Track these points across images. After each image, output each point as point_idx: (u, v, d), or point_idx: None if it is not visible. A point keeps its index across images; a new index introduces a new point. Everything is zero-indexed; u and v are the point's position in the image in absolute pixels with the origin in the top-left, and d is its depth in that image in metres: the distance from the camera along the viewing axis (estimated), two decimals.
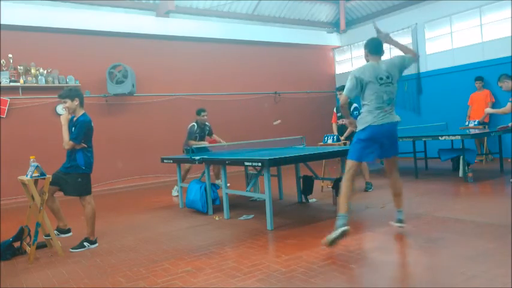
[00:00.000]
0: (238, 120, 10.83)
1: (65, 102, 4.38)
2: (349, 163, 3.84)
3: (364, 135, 3.79)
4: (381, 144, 3.81)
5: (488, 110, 7.42)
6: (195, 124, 7.26)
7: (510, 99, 5.97)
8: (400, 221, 4.01)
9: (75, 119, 4.42)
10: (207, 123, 7.41)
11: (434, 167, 8.60)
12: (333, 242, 3.52)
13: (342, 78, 12.77)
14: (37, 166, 4.14)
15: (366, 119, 3.80)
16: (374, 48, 3.91)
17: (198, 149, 6.88)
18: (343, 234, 3.52)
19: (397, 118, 3.90)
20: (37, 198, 4.14)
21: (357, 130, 3.88)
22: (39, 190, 4.23)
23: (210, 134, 7.50)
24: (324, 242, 3.55)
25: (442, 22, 10.16)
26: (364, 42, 4.09)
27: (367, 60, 3.93)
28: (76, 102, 4.39)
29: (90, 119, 4.44)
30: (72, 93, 4.39)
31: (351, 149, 3.90)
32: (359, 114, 6.61)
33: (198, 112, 7.33)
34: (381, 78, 3.74)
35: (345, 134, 6.66)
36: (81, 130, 4.31)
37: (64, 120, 4.37)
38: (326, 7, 12.43)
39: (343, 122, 6.75)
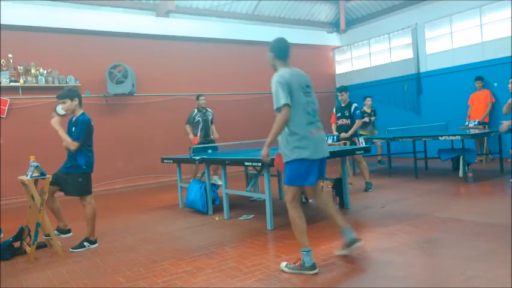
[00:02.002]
0: (238, 120, 10.83)
1: (64, 103, 4.38)
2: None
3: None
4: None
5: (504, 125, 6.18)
6: (195, 110, 7.74)
7: None
8: (352, 241, 3.35)
9: (74, 119, 4.42)
10: (208, 109, 7.84)
11: (434, 167, 8.60)
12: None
13: (342, 78, 12.78)
14: (37, 166, 4.14)
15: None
16: (282, 51, 3.37)
17: (206, 148, 7.09)
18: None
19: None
20: (37, 198, 4.14)
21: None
22: (39, 190, 4.22)
23: (212, 122, 7.90)
24: (283, 268, 3.22)
25: (442, 22, 10.16)
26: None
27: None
28: (75, 102, 4.40)
29: (90, 118, 4.44)
30: (71, 94, 4.40)
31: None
32: (361, 114, 6.65)
33: (197, 97, 7.81)
34: (307, 86, 3.23)
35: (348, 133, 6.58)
36: (83, 129, 4.31)
37: (57, 124, 4.32)
38: (326, 7, 12.44)
39: (343, 123, 6.75)
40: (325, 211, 3.49)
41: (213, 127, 7.87)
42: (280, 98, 3.10)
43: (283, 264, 3.25)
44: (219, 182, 7.84)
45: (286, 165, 3.21)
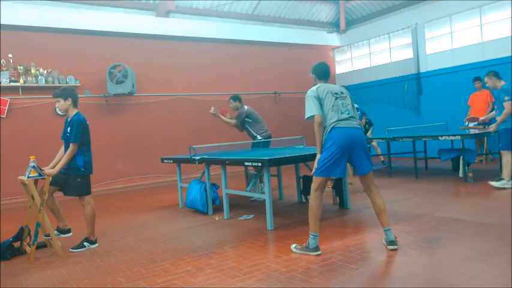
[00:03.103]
0: None
1: (58, 101, 4.40)
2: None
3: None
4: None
5: (492, 126, 6.44)
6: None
7: (506, 98, 5.95)
8: (391, 242, 3.56)
9: (69, 119, 4.42)
10: (241, 110, 6.76)
11: (434, 167, 8.60)
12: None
13: (342, 78, 12.78)
14: (33, 166, 4.13)
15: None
16: (322, 73, 3.88)
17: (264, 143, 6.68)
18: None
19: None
20: (37, 198, 4.14)
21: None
22: (39, 190, 4.23)
23: (248, 121, 6.84)
24: (292, 248, 3.71)
25: (442, 22, 10.16)
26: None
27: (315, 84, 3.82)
28: (69, 102, 4.40)
29: (84, 117, 4.44)
30: (65, 93, 4.40)
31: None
32: (361, 114, 6.65)
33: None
34: (336, 93, 3.69)
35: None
36: (78, 129, 4.30)
37: (55, 171, 4.25)
38: (326, 7, 12.44)
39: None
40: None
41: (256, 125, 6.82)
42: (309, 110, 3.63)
43: (293, 245, 3.73)
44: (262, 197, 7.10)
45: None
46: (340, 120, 3.56)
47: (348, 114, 3.62)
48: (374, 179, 3.74)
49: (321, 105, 3.59)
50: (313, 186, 3.64)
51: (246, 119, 6.77)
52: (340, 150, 3.51)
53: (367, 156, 3.66)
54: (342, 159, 3.55)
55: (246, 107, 6.80)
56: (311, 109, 3.58)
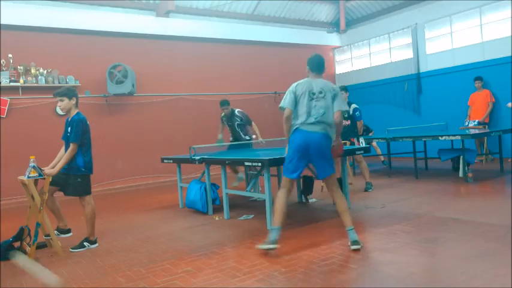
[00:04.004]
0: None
1: (61, 101, 4.37)
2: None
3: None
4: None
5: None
6: (222, 113, 7.31)
7: None
8: (354, 242, 3.59)
9: (69, 118, 4.42)
10: (237, 112, 7.18)
11: (434, 167, 8.60)
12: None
13: (342, 78, 12.78)
14: (34, 166, 4.13)
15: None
16: (315, 65, 3.88)
17: (238, 145, 6.98)
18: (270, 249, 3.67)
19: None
20: (37, 198, 4.14)
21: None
22: (39, 190, 4.23)
23: (248, 122, 7.23)
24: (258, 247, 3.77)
25: (442, 22, 10.15)
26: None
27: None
28: (73, 101, 4.40)
29: (85, 117, 4.44)
30: (70, 92, 4.40)
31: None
32: (360, 115, 6.66)
33: (219, 104, 7.26)
34: (313, 93, 3.74)
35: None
36: (78, 128, 4.30)
37: (55, 171, 4.25)
38: (326, 7, 12.43)
39: (345, 124, 6.74)
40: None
41: (253, 126, 7.18)
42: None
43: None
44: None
45: None
46: (305, 123, 3.69)
47: (316, 118, 3.68)
48: (336, 182, 3.87)
49: (296, 102, 3.72)
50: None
51: (240, 121, 7.18)
52: (297, 153, 3.71)
53: (326, 161, 3.77)
54: (300, 162, 3.73)
55: (236, 109, 7.25)
56: (285, 101, 3.77)
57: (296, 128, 3.73)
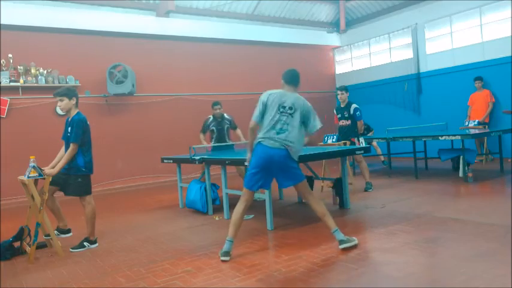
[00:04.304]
0: (238, 121, 10.76)
1: (61, 100, 4.37)
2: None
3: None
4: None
5: None
6: (211, 116, 7.11)
7: None
8: (341, 241, 3.62)
9: (70, 118, 4.42)
10: (226, 115, 7.17)
11: (434, 167, 8.60)
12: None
13: (342, 78, 12.78)
14: (34, 166, 4.13)
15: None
16: (290, 78, 3.84)
17: (221, 147, 6.92)
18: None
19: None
20: (37, 198, 4.14)
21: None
22: (39, 190, 4.23)
23: (234, 127, 7.28)
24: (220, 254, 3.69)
25: (442, 22, 10.15)
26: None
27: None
28: (73, 101, 4.40)
29: (85, 117, 4.44)
30: (70, 92, 4.41)
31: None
32: (361, 115, 6.66)
33: (212, 105, 7.15)
34: (284, 107, 3.68)
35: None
36: (79, 128, 4.30)
37: (55, 171, 4.25)
38: (326, 7, 12.43)
39: (343, 124, 6.76)
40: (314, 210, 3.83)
41: (238, 132, 7.28)
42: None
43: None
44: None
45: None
46: (267, 138, 3.65)
47: (278, 134, 3.64)
48: (308, 188, 3.84)
49: (264, 113, 3.69)
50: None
51: (229, 125, 7.19)
52: (258, 167, 3.68)
53: (286, 175, 3.72)
54: (261, 175, 3.70)
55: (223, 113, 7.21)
56: (254, 113, 3.75)
57: (259, 142, 3.68)
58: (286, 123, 3.65)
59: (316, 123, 3.78)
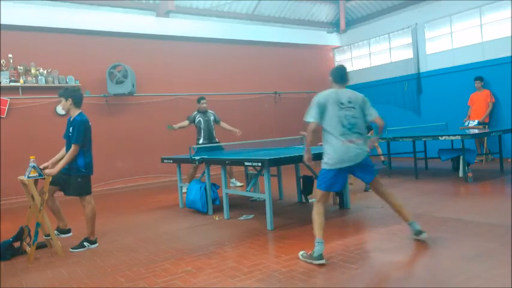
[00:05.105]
0: (238, 120, 10.79)
1: (60, 101, 4.42)
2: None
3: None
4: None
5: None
6: (196, 111, 7.67)
7: None
8: (418, 232, 3.72)
9: (71, 119, 4.42)
10: (209, 111, 7.72)
11: (434, 167, 8.60)
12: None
13: None
14: (34, 166, 4.13)
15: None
16: (338, 77, 3.84)
17: (210, 148, 7.09)
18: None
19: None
20: (37, 198, 4.14)
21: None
22: (39, 190, 4.23)
23: (217, 121, 7.77)
24: (299, 255, 3.53)
25: (442, 22, 10.15)
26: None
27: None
28: (69, 102, 4.40)
29: (87, 118, 4.44)
30: (66, 93, 4.41)
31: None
32: None
33: (198, 100, 7.69)
34: (342, 103, 3.67)
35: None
36: (80, 129, 4.30)
37: (55, 171, 4.25)
38: (326, 7, 12.44)
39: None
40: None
41: (224, 125, 7.74)
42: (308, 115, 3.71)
43: (301, 252, 3.54)
44: (238, 184, 7.83)
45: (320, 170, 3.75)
46: (341, 134, 3.61)
47: (350, 129, 3.62)
48: (381, 182, 3.87)
49: (323, 113, 3.64)
50: (317, 197, 3.74)
51: (214, 118, 7.69)
52: (338, 167, 3.63)
53: (366, 170, 3.76)
54: (339, 175, 3.66)
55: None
56: (310, 115, 3.69)
57: (331, 140, 3.64)
58: (352, 116, 3.66)
59: (373, 111, 3.85)
